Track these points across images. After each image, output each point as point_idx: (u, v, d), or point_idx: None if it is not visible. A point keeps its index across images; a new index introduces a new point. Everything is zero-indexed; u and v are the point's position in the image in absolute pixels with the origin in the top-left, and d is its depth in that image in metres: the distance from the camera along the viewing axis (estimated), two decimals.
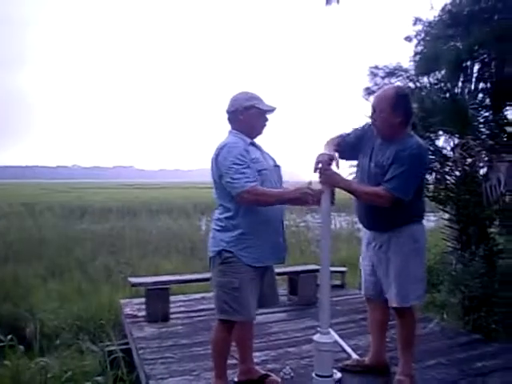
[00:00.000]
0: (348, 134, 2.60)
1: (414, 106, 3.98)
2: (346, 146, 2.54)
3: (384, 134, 2.39)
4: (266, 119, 2.45)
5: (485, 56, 4.37)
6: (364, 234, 2.67)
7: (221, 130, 2.50)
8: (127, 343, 3.65)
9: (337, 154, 2.41)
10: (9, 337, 3.18)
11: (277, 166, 2.49)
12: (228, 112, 2.43)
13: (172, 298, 4.25)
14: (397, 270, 2.41)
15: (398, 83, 4.83)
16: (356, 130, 2.64)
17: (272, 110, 2.42)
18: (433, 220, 12.27)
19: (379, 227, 2.47)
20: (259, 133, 2.46)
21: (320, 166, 2.28)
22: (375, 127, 2.42)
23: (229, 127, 2.47)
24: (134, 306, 4.22)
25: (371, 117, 2.42)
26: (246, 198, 2.20)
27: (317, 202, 2.21)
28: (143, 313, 3.94)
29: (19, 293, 6.12)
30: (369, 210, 2.45)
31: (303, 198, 2.21)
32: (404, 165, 2.26)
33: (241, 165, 2.22)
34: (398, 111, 2.32)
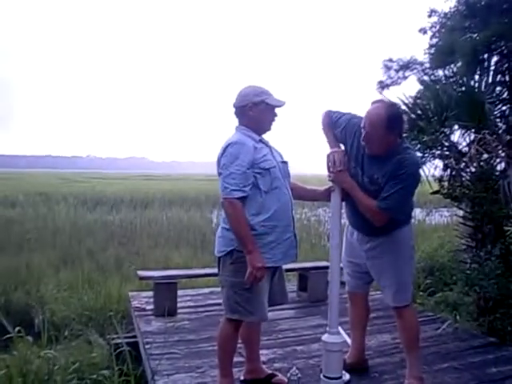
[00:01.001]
0: (333, 114, 2.50)
1: (430, 100, 3.88)
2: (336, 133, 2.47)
3: (377, 153, 2.30)
4: (276, 114, 2.39)
5: (503, 48, 4.22)
6: (349, 232, 2.63)
7: (232, 123, 2.43)
8: (135, 336, 3.64)
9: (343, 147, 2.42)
10: (16, 329, 3.18)
11: (284, 162, 2.45)
12: (236, 107, 2.37)
13: (180, 292, 4.23)
14: (393, 271, 2.43)
15: (413, 76, 4.69)
16: (341, 117, 2.47)
17: (281, 104, 2.36)
18: (446, 215, 12.14)
19: (372, 232, 2.45)
20: (268, 129, 2.41)
21: (337, 164, 2.30)
22: (368, 148, 2.31)
23: (235, 121, 2.40)
24: (142, 299, 4.20)
25: (363, 138, 2.28)
26: (225, 206, 2.22)
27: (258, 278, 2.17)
28: (151, 306, 3.92)
29: (31, 281, 6.20)
30: (361, 216, 2.41)
31: (251, 269, 2.14)
32: (401, 183, 2.24)
33: (237, 169, 2.17)
34: (391, 132, 2.24)
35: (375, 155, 2.31)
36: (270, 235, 2.24)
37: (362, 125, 2.28)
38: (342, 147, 2.47)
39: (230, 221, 2.21)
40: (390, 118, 2.22)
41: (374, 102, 2.35)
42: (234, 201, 2.17)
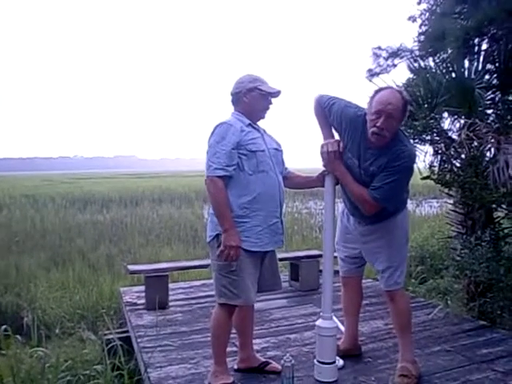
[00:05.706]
0: (324, 100, 2.40)
1: (420, 86, 3.88)
2: (327, 117, 2.40)
3: (385, 142, 2.21)
4: (270, 102, 2.39)
5: (494, 32, 4.19)
6: (345, 217, 2.60)
7: (222, 118, 2.43)
8: (127, 331, 3.61)
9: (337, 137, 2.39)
10: (3, 327, 3.13)
11: (278, 150, 2.43)
12: (232, 94, 2.39)
13: (172, 286, 4.20)
14: (388, 254, 2.42)
15: (402, 64, 4.67)
16: (333, 104, 2.36)
17: (275, 92, 2.36)
18: (436, 206, 12.22)
19: (369, 218, 2.41)
20: (262, 116, 2.41)
21: (332, 155, 2.31)
22: (380, 137, 2.18)
23: (226, 116, 2.39)
24: (133, 294, 4.17)
25: (381, 125, 2.14)
26: (207, 184, 2.24)
27: (230, 256, 2.18)
28: (143, 300, 3.89)
29: (22, 283, 6.14)
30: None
31: (224, 247, 2.17)
32: (394, 175, 2.21)
33: (222, 149, 2.20)
34: (403, 117, 2.24)
35: (372, 147, 2.25)
36: (253, 219, 2.24)
37: (375, 110, 2.15)
38: (336, 135, 2.43)
39: (211, 199, 2.24)
40: (406, 102, 2.21)
41: (380, 89, 2.25)
42: (216, 179, 2.20)
